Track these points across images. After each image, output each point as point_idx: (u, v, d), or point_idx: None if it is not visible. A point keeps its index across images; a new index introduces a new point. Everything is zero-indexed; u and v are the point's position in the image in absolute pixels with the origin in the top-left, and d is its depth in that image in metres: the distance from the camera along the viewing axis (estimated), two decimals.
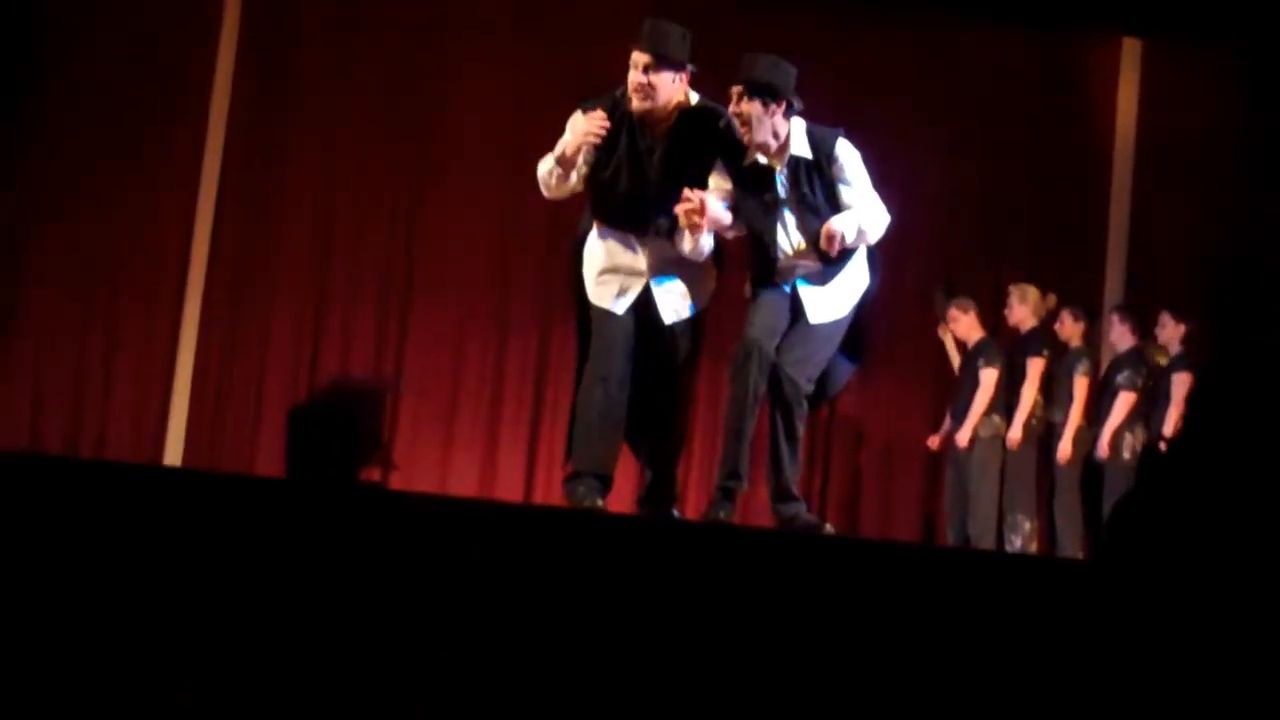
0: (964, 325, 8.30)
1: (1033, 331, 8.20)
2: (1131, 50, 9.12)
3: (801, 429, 5.36)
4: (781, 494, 5.36)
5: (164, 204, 9.15)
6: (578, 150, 5.20)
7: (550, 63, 8.89)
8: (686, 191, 5.10)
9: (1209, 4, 8.48)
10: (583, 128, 5.15)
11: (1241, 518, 2.65)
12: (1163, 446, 7.66)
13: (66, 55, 9.13)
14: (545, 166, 5.34)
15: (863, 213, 5.25)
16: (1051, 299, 8.23)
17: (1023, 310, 8.22)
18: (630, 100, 5.20)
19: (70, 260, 9.04)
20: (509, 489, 8.84)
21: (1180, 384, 7.77)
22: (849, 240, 5.18)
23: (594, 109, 5.21)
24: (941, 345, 8.47)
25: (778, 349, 5.28)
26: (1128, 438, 7.83)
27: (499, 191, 8.94)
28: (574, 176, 5.31)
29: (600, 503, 5.27)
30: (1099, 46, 9.17)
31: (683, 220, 5.12)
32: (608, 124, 5.15)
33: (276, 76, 9.29)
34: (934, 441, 8.45)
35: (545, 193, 5.44)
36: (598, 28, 8.56)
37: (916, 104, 8.97)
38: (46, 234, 9.08)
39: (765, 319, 5.31)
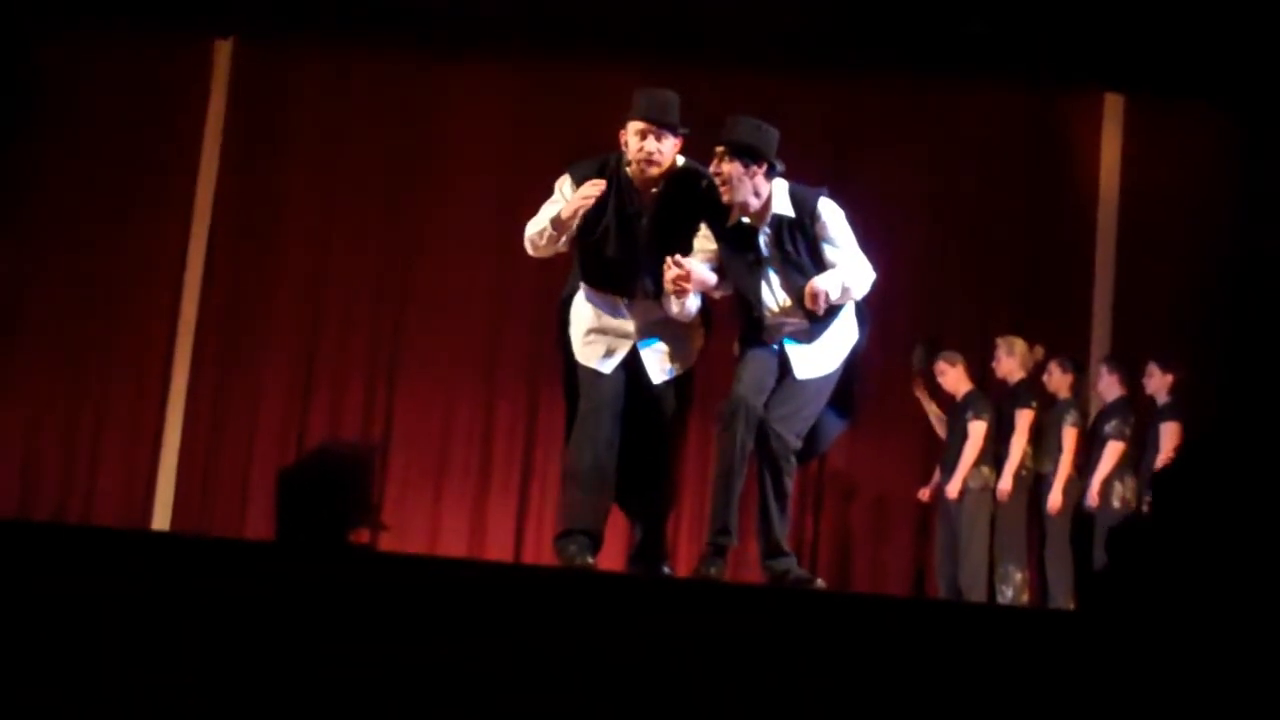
0: (952, 378, 8.32)
1: (1021, 383, 8.22)
2: (1114, 105, 9.19)
3: (790, 485, 5.36)
4: (772, 550, 5.36)
5: (152, 270, 9.20)
6: (575, 214, 5.23)
7: (538, 129, 8.94)
8: (672, 259, 5.14)
9: (1189, 60, 8.55)
10: (582, 191, 5.19)
11: (1214, 581, 2.69)
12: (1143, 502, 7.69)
13: (53, 122, 9.18)
14: (536, 227, 5.37)
15: (847, 270, 5.27)
16: (1039, 350, 8.26)
17: (1010, 362, 8.24)
18: (625, 165, 5.26)
19: (58, 327, 9.07)
20: (499, 549, 8.83)
21: (1169, 433, 7.79)
22: (833, 298, 5.21)
23: (588, 173, 5.26)
24: (931, 395, 8.48)
25: (766, 405, 5.29)
26: (1117, 487, 7.84)
27: (488, 254, 8.99)
28: (564, 239, 5.34)
29: (591, 560, 5.27)
30: (1081, 102, 9.23)
31: (669, 287, 5.16)
32: (604, 187, 5.20)
33: (265, 141, 9.35)
34: (924, 494, 8.45)
35: (532, 252, 5.47)
36: (583, 97, 8.64)
37: (900, 161, 9.02)
38: (34, 300, 9.11)
39: (752, 376, 5.33)
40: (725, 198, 5.22)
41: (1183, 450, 7.57)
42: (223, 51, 9.41)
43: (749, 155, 5.17)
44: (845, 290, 5.26)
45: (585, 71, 8.94)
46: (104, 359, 9.11)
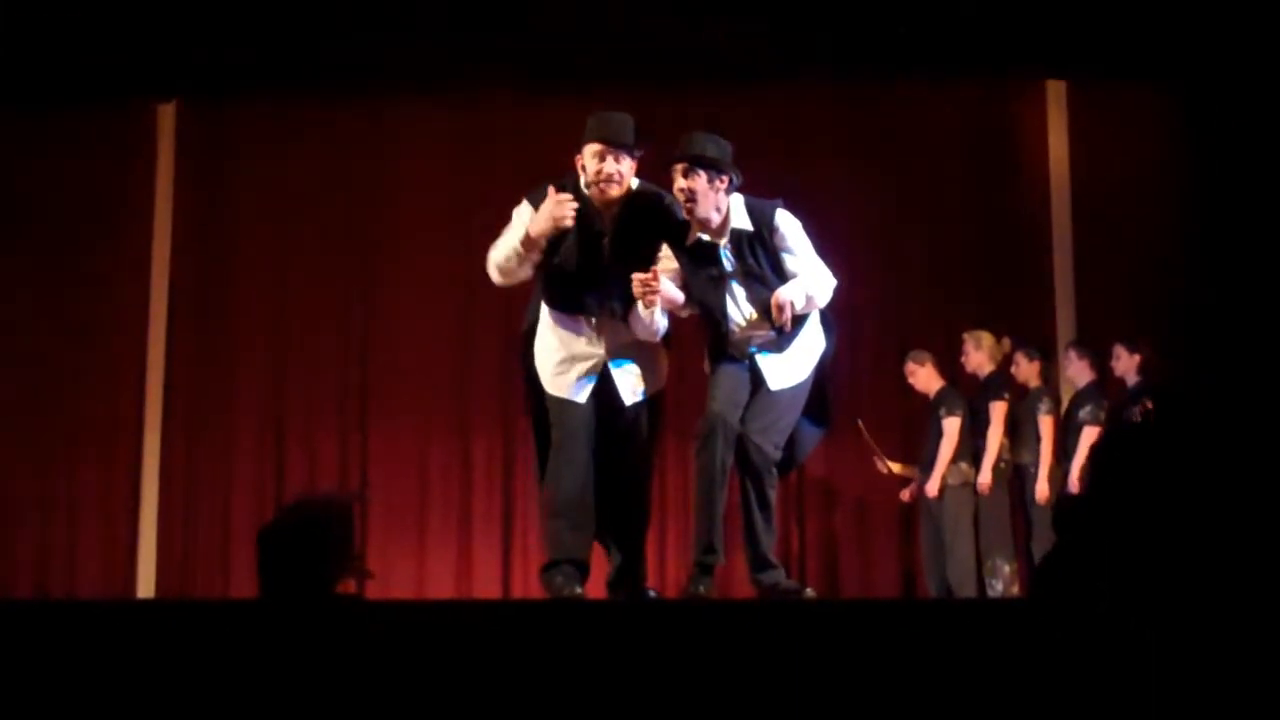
0: (922, 378, 8.34)
1: (991, 376, 8.24)
2: (1057, 91, 9.24)
3: (774, 496, 5.37)
4: (759, 563, 5.36)
5: (113, 337, 9.18)
6: (548, 230, 5.19)
7: (486, 164, 8.94)
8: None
9: (1128, 42, 8.61)
10: (555, 211, 5.15)
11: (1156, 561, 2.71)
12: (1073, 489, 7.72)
13: (2, 198, 9.16)
14: (502, 252, 5.33)
15: (809, 279, 5.30)
16: (1006, 342, 8.28)
17: (979, 356, 8.27)
18: (585, 188, 5.26)
19: (24, 403, 9.00)
20: (487, 587, 8.79)
21: (1142, 414, 7.81)
22: (798, 307, 5.23)
23: (557, 194, 5.22)
24: (905, 395, 8.49)
25: (742, 419, 5.30)
26: (1089, 471, 7.85)
27: (449, 293, 9.00)
28: (531, 260, 5.32)
29: (579, 590, 5.26)
30: (1025, 90, 9.28)
31: (637, 291, 5.14)
32: (577, 205, 5.18)
33: (216, 200, 9.34)
34: (906, 494, 8.46)
35: (499, 278, 5.43)
36: (529, 127, 8.66)
37: (850, 165, 9.05)
38: None
39: (726, 392, 5.34)
40: (689, 213, 5.24)
41: (1112, 424, 7.63)
42: (166, 115, 9.39)
43: (712, 167, 5.20)
44: (809, 299, 5.29)
45: (529, 103, 8.94)
46: (72, 434, 9.05)
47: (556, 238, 5.25)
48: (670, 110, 8.19)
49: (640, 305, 5.21)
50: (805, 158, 9.01)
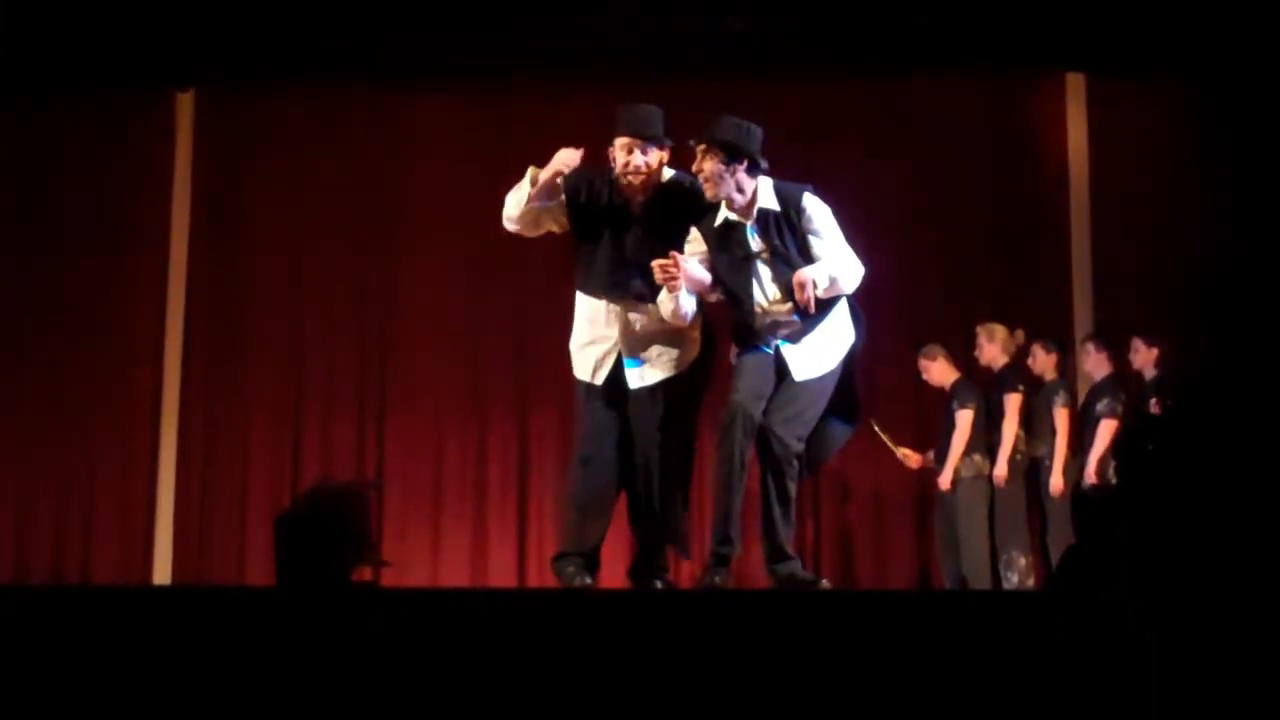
0: (936, 372, 8.31)
1: (1006, 368, 8.22)
2: (1076, 85, 9.21)
3: (793, 488, 5.34)
4: (776, 554, 5.36)
5: (131, 324, 9.19)
6: (555, 175, 5.32)
7: (505, 156, 8.88)
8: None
9: (1147, 34, 8.58)
10: (563, 155, 5.32)
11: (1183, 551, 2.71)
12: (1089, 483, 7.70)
13: (20, 185, 9.20)
14: (514, 195, 5.43)
15: (833, 262, 5.28)
16: (1020, 334, 8.26)
17: (992, 349, 8.24)
18: (618, 180, 5.36)
19: (44, 390, 9.03)
20: (501, 575, 8.80)
21: (1160, 407, 7.78)
22: (820, 288, 5.21)
23: (575, 179, 5.36)
24: (921, 388, 8.46)
25: (766, 410, 5.29)
26: (1114, 464, 7.82)
27: (466, 283, 9.00)
28: (540, 204, 5.38)
29: (589, 580, 5.29)
30: (1044, 83, 9.25)
31: (659, 277, 5.17)
32: (580, 155, 5.33)
33: (234, 188, 9.35)
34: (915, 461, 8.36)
35: (512, 225, 5.49)
36: (550, 120, 8.63)
37: (868, 157, 9.03)
38: (14, 366, 9.08)
39: (749, 383, 5.33)
40: (708, 194, 5.28)
41: (1133, 419, 7.60)
42: (185, 104, 9.40)
43: (728, 151, 5.24)
44: (833, 281, 5.26)
45: (548, 92, 8.94)
46: (89, 420, 9.07)
47: (589, 224, 5.36)
48: (687, 101, 8.16)
49: (664, 290, 5.22)
50: (823, 149, 8.98)
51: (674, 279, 5.17)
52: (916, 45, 8.69)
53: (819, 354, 5.38)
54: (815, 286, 5.16)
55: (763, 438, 5.26)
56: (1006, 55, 8.93)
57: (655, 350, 5.45)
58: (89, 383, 9.08)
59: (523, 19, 8.56)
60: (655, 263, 5.16)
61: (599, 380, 5.44)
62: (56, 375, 9.06)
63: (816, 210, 5.33)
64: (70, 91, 9.18)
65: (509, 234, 5.54)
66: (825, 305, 5.31)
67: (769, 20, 8.54)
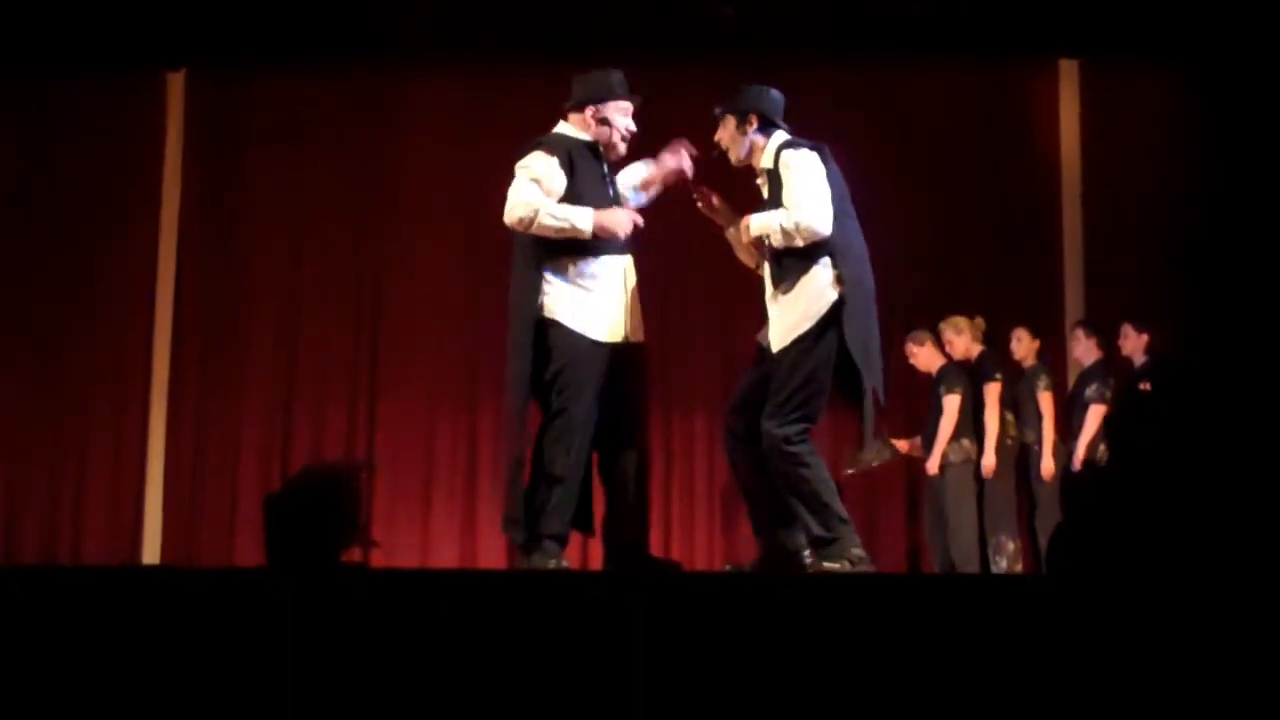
0: (923, 358, 8.33)
1: (982, 356, 8.24)
2: (1069, 71, 9.22)
3: (807, 473, 5.24)
4: (816, 541, 5.33)
5: (122, 304, 9.19)
6: (601, 231, 5.32)
7: (498, 137, 8.89)
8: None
9: (1140, 20, 8.59)
10: (626, 224, 5.34)
11: (1172, 533, 2.71)
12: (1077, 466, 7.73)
13: (8, 165, 9.18)
14: (552, 218, 5.31)
15: (784, 212, 5.26)
16: (980, 320, 8.27)
17: (962, 341, 8.26)
18: (606, 146, 5.48)
19: (34, 371, 9.03)
20: (490, 557, 8.81)
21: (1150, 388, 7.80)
22: (755, 230, 5.28)
23: (564, 148, 5.43)
24: (912, 376, 8.47)
25: (759, 407, 5.28)
26: (1102, 449, 7.85)
27: (458, 264, 9.01)
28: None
29: (564, 563, 5.29)
30: (1037, 69, 9.26)
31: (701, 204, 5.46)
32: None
33: (225, 169, 9.34)
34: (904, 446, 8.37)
35: (519, 227, 5.38)
36: (542, 100, 8.60)
37: (860, 142, 8.94)
38: (5, 348, 9.07)
39: (738, 394, 5.48)
40: (732, 160, 5.50)
41: (1124, 401, 7.62)
42: (175, 84, 9.39)
43: (732, 111, 5.46)
44: (786, 233, 5.23)
45: (544, 76, 8.90)
46: (81, 399, 9.08)
47: (582, 188, 5.39)
48: (679, 87, 8.20)
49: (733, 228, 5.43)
50: (814, 134, 8.93)
51: (707, 196, 5.42)
52: (910, 31, 8.69)
53: (787, 319, 5.28)
54: (749, 229, 5.29)
55: (758, 443, 5.27)
56: (1000, 41, 8.93)
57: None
58: (79, 365, 9.08)
59: (516, 3, 8.55)
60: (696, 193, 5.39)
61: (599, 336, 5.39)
62: (47, 357, 9.06)
63: (787, 162, 5.35)
64: (61, 72, 9.17)
65: (500, 219, 5.49)
66: (795, 272, 5.27)
67: (760, 6, 8.54)
